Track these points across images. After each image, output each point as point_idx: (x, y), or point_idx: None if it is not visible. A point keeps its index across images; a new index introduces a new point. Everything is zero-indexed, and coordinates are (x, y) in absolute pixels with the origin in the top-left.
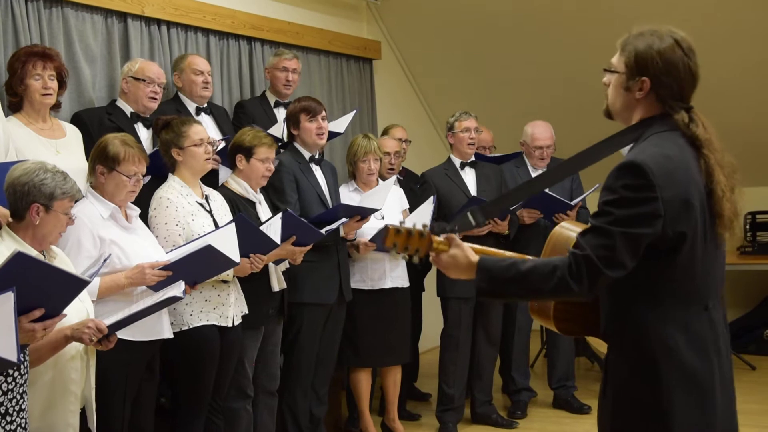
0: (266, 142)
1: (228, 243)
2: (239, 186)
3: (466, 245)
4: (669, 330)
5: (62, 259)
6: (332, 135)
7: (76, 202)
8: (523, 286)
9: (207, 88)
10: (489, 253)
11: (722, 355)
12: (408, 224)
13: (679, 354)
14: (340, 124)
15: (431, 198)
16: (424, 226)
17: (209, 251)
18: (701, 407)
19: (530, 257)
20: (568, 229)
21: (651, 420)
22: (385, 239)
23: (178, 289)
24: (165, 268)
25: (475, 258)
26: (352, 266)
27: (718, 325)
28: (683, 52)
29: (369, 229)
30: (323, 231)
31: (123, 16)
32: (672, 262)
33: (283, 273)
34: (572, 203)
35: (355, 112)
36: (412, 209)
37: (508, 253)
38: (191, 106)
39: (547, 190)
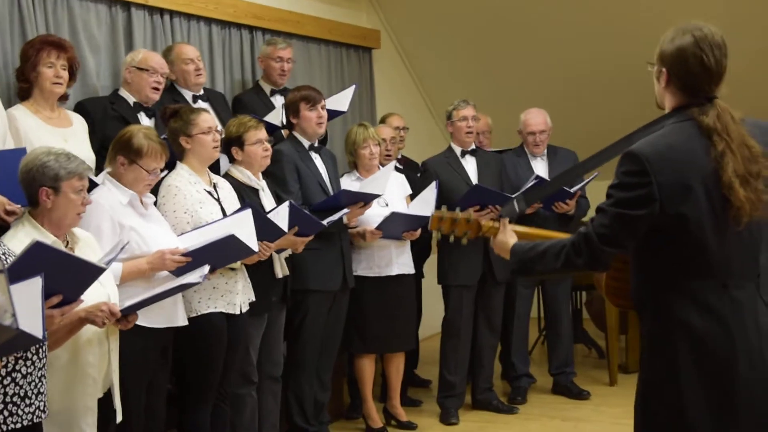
0: (252, 125)
1: (246, 231)
2: (242, 174)
3: (510, 231)
4: (683, 304)
5: (87, 243)
6: (335, 114)
7: (94, 186)
8: (542, 263)
9: (200, 74)
10: (528, 233)
11: (749, 332)
12: (452, 212)
13: (693, 327)
14: (341, 102)
15: (433, 184)
16: (472, 212)
17: (231, 240)
18: (716, 378)
19: (566, 236)
20: None
21: (666, 388)
22: (429, 225)
23: (196, 275)
24: (185, 254)
25: (511, 242)
26: (358, 254)
27: (744, 303)
28: (698, 47)
29: (374, 216)
30: (325, 222)
31: (127, 5)
32: (680, 241)
33: (286, 260)
34: (572, 191)
35: (354, 87)
36: (413, 197)
37: (551, 233)
38: (188, 95)
39: (546, 179)
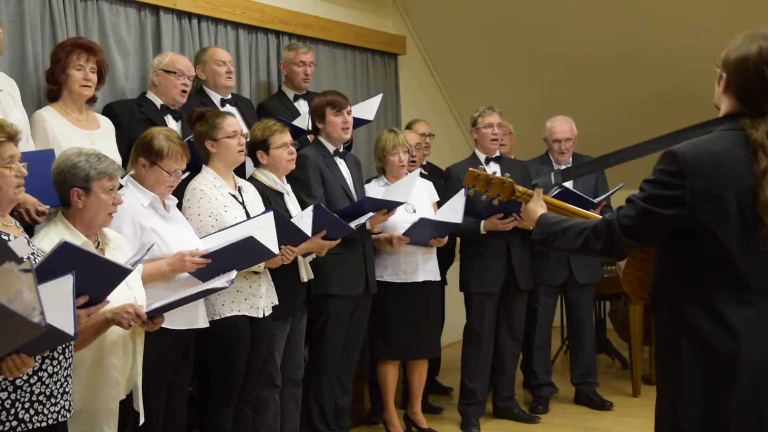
0: (277, 129)
1: (267, 234)
2: (267, 178)
3: (541, 201)
4: (696, 307)
5: (117, 244)
6: (362, 122)
7: (121, 186)
8: (562, 240)
9: (231, 77)
10: (559, 206)
11: (757, 349)
12: (489, 171)
13: (701, 331)
14: (368, 110)
15: (462, 191)
16: (506, 175)
17: (250, 242)
18: (715, 383)
19: (599, 218)
20: None
21: (670, 383)
22: (465, 180)
23: (223, 280)
24: (205, 256)
25: (539, 213)
26: (384, 260)
27: (759, 320)
28: (761, 58)
29: (402, 222)
30: (352, 225)
31: (155, 9)
32: (703, 247)
33: (310, 264)
34: (596, 201)
35: (381, 95)
36: (439, 204)
37: (582, 212)
38: (216, 98)
39: (571, 188)
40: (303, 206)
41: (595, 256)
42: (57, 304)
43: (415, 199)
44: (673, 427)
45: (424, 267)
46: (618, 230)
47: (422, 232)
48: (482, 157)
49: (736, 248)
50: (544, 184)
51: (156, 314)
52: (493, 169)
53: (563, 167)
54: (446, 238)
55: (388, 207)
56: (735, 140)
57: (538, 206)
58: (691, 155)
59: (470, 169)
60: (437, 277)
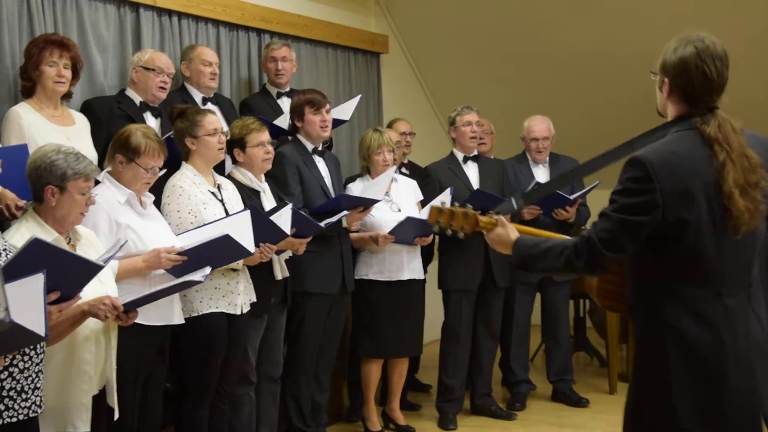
0: (254, 127)
1: (243, 232)
2: (243, 176)
3: (511, 226)
4: (676, 310)
5: (89, 240)
6: (338, 122)
7: (96, 184)
8: (543, 262)
9: (214, 79)
10: (529, 232)
11: (739, 339)
12: (450, 205)
13: (684, 333)
14: (345, 111)
15: (448, 190)
16: (468, 206)
17: (226, 240)
18: (705, 384)
19: (568, 238)
20: None
21: (656, 392)
22: (429, 217)
23: (199, 274)
24: (181, 254)
25: (514, 237)
26: (370, 258)
27: (736, 312)
28: (700, 58)
29: (387, 221)
30: (323, 224)
31: (135, 6)
32: (679, 248)
33: (286, 262)
34: (572, 198)
35: (360, 97)
36: (423, 203)
37: (550, 234)
38: (198, 96)
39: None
40: (281, 204)
41: (579, 274)
42: (27, 303)
43: (399, 199)
44: (665, 428)
45: (408, 265)
46: (598, 245)
47: (407, 230)
48: (460, 156)
49: (710, 243)
50: (507, 211)
51: (130, 308)
52: (471, 168)
53: (540, 165)
54: (431, 237)
55: (363, 205)
56: (691, 139)
57: (509, 231)
58: (655, 158)
59: (431, 205)
60: (421, 276)
